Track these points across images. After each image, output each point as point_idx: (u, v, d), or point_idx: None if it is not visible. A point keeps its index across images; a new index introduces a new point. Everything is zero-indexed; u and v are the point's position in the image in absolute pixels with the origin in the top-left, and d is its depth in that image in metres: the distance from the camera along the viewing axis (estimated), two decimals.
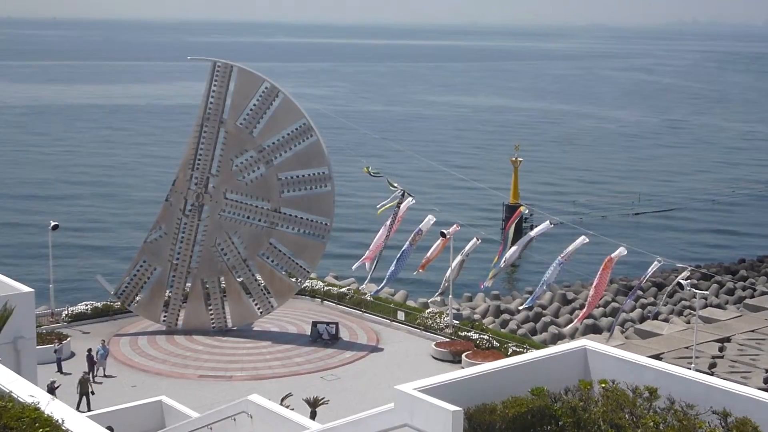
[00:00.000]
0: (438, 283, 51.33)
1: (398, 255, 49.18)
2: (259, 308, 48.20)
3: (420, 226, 49.01)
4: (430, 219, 49.06)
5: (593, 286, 44.57)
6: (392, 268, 49.24)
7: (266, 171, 47.33)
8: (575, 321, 47.91)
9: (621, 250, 43.32)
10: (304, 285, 50.93)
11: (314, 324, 47.16)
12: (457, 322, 48.80)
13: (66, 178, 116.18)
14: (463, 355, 43.45)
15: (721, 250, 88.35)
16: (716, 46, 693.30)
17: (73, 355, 43.95)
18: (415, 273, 51.12)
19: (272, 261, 47.58)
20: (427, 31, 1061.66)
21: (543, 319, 62.98)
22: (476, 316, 61.13)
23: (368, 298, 52.12)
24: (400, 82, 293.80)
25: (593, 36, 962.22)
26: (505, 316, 63.22)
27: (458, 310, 60.08)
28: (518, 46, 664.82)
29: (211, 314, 48.01)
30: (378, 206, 51.24)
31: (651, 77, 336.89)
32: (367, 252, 50.46)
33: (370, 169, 51.83)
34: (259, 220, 47.36)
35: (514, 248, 46.96)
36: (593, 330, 59.78)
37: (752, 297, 68.23)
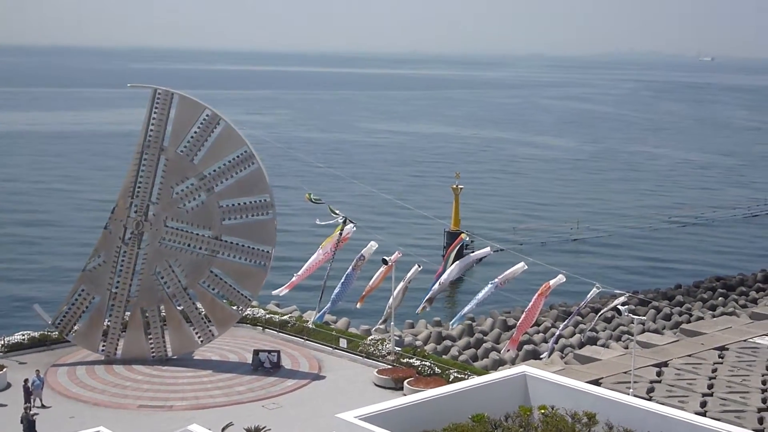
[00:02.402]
0: (380, 310, 51.47)
1: (342, 279, 49.20)
2: (199, 337, 47.81)
3: (362, 252, 49.14)
4: (372, 245, 49.23)
5: (525, 311, 45.13)
6: (337, 290, 49.21)
7: (207, 199, 47.13)
8: (505, 348, 48.25)
9: (560, 278, 43.87)
10: (246, 313, 50.66)
11: (256, 352, 46.88)
12: (399, 348, 48.89)
13: (1, 206, 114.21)
14: (405, 382, 43.53)
15: (657, 276, 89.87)
16: (652, 76, 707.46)
17: (9, 386, 43.08)
18: (357, 305, 51.10)
19: (213, 289, 47.28)
20: (370, 59, 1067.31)
21: (484, 345, 63.39)
22: (418, 343, 61.30)
23: (310, 325, 52.00)
24: (343, 109, 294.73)
25: (533, 65, 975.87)
26: (447, 342, 63.51)
27: (400, 336, 60.20)
28: (459, 74, 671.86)
29: (151, 343, 47.47)
30: (321, 221, 51.12)
31: (589, 106, 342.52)
32: (294, 278, 50.41)
33: (311, 196, 51.87)
34: (200, 248, 47.07)
35: (452, 268, 47.23)
36: (533, 356, 60.29)
37: (689, 322, 69.38)
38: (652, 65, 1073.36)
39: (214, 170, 47.20)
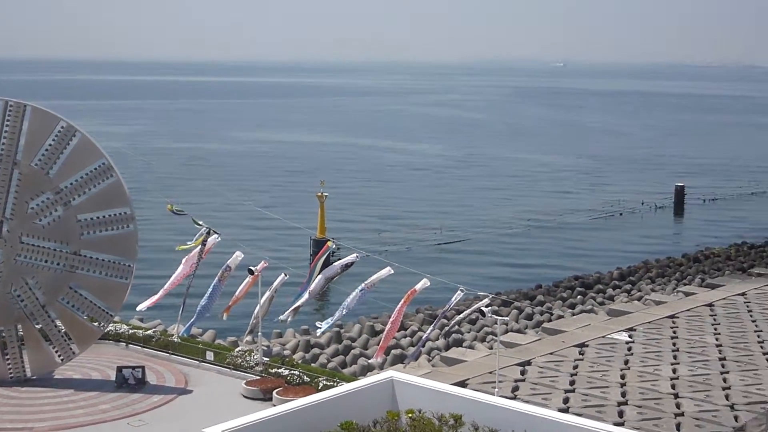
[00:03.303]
0: (247, 321, 51.00)
1: (208, 291, 48.57)
2: (60, 355, 46.32)
3: (228, 262, 48.63)
4: (237, 255, 48.78)
5: (391, 317, 45.63)
6: (203, 302, 48.56)
7: (64, 213, 45.72)
8: (374, 356, 48.64)
9: (424, 281, 44.47)
10: (108, 329, 49.39)
11: (119, 369, 45.74)
12: (267, 359, 48.60)
13: None
14: (274, 393, 43.28)
15: (519, 277, 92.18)
16: (513, 82, 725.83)
17: None
18: (223, 317, 50.55)
19: (73, 306, 45.88)
20: (238, 68, 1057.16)
21: (353, 351, 63.70)
22: (286, 352, 61.09)
23: (175, 339, 51.12)
24: (207, 118, 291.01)
25: (397, 72, 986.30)
26: (315, 350, 63.54)
27: (268, 347, 59.84)
28: (325, 82, 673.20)
29: (9, 364, 45.73)
30: (183, 245, 50.46)
31: (454, 112, 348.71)
32: (160, 291, 49.59)
33: (174, 207, 51.03)
34: (58, 264, 45.60)
35: (318, 279, 47.28)
36: (401, 360, 60.93)
37: (549, 321, 71.44)
38: (512, 71, 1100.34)
39: (71, 183, 45.82)
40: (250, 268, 48.01)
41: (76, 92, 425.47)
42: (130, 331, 53.04)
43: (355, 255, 48.39)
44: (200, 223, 49.59)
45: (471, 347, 64.53)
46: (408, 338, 66.97)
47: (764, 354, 57.83)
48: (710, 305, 70.70)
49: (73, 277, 45.74)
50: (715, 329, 63.78)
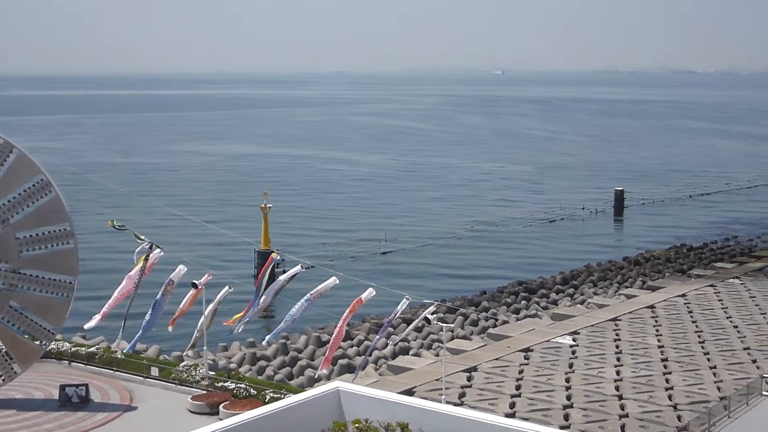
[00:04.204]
0: (191, 334, 50.57)
1: (151, 306, 48.06)
2: (1, 376, 45.48)
3: (171, 276, 48.17)
4: (181, 269, 48.35)
5: (336, 328, 45.60)
6: (147, 318, 48.04)
7: (2, 231, 44.91)
8: (320, 368, 48.54)
9: (370, 291, 44.53)
10: (50, 347, 48.61)
11: (62, 387, 45.06)
12: (213, 373, 48.23)
13: None
14: (221, 407, 42.99)
15: (463, 284, 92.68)
16: (452, 91, 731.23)
17: None
18: (169, 329, 50.07)
19: (13, 325, 45.06)
20: (172, 80, 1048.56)
21: (299, 362, 63.50)
22: (232, 365, 60.67)
23: (119, 356, 50.50)
24: (145, 132, 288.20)
25: (337, 83, 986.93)
26: (262, 362, 63.22)
27: (214, 360, 59.41)
28: (264, 93, 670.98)
29: None
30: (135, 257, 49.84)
31: (394, 121, 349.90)
32: (105, 308, 48.96)
33: (114, 222, 50.44)
34: None
35: (267, 292, 47.10)
36: (348, 370, 60.89)
37: (495, 326, 71.97)
38: (451, 80, 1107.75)
39: (9, 201, 45.04)
40: (194, 282, 47.65)
41: (8, 107, 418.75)
42: (73, 349, 52.26)
43: (299, 266, 48.28)
44: (142, 237, 49.06)
45: (417, 355, 64.72)
46: (355, 348, 66.96)
47: (705, 354, 58.92)
48: (652, 307, 71.84)
49: (12, 295, 44.92)
50: (657, 330, 64.83)
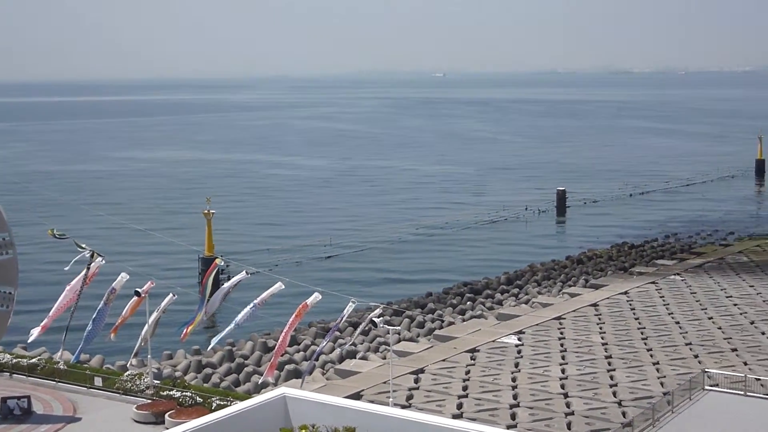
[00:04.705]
0: (135, 344, 49.94)
1: (93, 315, 47.37)
2: None
3: (113, 285, 47.54)
4: (123, 276, 47.75)
5: (282, 334, 45.40)
6: (89, 328, 47.34)
7: None
8: (264, 375, 48.25)
9: (316, 295, 44.40)
10: None
11: (3, 400, 44.19)
12: (158, 381, 47.65)
13: None
14: (167, 416, 42.49)
15: (409, 286, 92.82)
16: (392, 93, 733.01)
17: None
18: (106, 339, 49.40)
19: None
20: (109, 86, 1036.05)
21: (246, 369, 63.01)
22: (178, 374, 60.00)
23: (62, 366, 49.65)
24: (83, 139, 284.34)
25: (277, 87, 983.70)
26: (207, 370, 62.60)
27: (158, 369, 58.70)
28: (204, 98, 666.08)
29: None
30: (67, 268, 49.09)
31: (335, 124, 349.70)
32: (45, 319, 48.14)
33: (54, 231, 49.63)
34: None
35: (211, 302, 46.71)
36: (296, 375, 60.56)
37: (441, 328, 72.10)
38: (392, 83, 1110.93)
39: None
40: (137, 289, 47.05)
41: None
42: (14, 360, 51.30)
43: (243, 272, 47.96)
44: (83, 246, 48.33)
45: (364, 358, 64.63)
46: (301, 353, 66.66)
47: (648, 350, 59.72)
48: (595, 305, 72.64)
49: None
50: (601, 328, 65.55)
